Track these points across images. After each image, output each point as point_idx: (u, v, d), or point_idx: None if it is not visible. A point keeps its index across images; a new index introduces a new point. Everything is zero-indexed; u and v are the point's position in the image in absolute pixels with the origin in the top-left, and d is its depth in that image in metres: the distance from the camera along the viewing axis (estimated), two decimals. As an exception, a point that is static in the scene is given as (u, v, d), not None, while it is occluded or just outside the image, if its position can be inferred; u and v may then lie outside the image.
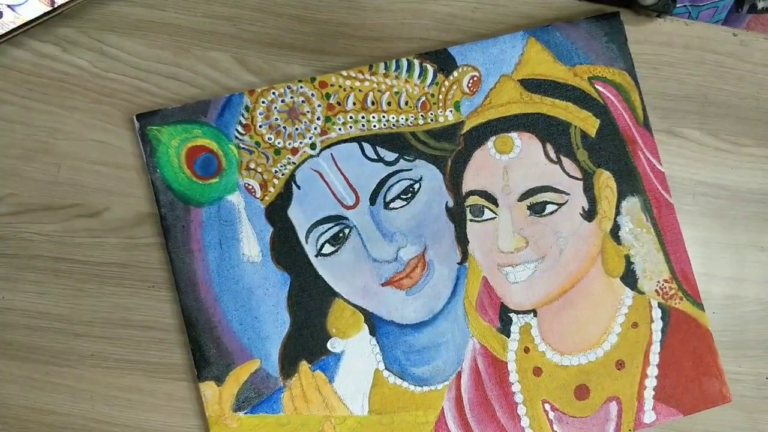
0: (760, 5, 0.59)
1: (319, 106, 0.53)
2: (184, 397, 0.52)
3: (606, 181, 0.55)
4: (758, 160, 0.57)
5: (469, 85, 0.54)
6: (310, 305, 0.52)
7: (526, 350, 0.53)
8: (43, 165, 0.54)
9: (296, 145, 0.53)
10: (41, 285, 0.53)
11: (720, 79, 0.57)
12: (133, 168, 0.53)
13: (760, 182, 0.57)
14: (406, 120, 0.54)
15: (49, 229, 0.53)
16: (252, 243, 0.52)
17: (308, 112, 0.53)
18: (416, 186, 0.53)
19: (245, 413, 0.51)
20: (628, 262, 0.54)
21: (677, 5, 0.57)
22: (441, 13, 0.56)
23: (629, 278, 0.54)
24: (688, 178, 0.57)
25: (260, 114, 0.53)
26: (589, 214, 0.54)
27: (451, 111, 0.54)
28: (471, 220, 0.54)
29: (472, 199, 0.54)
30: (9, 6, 0.50)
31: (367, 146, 0.53)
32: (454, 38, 0.55)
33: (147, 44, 0.55)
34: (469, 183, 0.54)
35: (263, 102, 0.53)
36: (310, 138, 0.53)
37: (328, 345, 0.52)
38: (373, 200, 0.53)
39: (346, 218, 0.53)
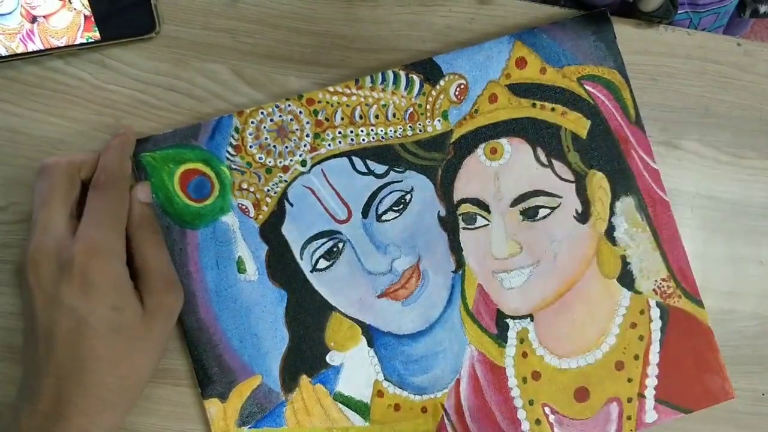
0: (762, 10, 0.57)
1: (307, 123, 0.54)
2: (181, 402, 0.54)
3: (599, 182, 0.54)
4: (759, 173, 0.56)
5: (456, 93, 0.54)
6: (308, 320, 0.53)
7: (524, 355, 0.53)
8: None
9: (287, 163, 0.54)
10: None
11: (722, 89, 0.56)
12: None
13: (761, 195, 0.56)
14: (395, 132, 0.54)
15: None
16: (248, 262, 0.53)
17: (297, 129, 0.54)
18: (407, 197, 0.54)
19: (249, 428, 0.52)
20: (625, 263, 0.54)
21: (678, 11, 0.56)
22: (438, 25, 0.56)
23: (626, 279, 0.54)
24: (687, 190, 0.56)
25: (250, 134, 0.54)
26: (583, 217, 0.54)
27: (439, 120, 0.54)
28: (464, 228, 0.54)
29: (464, 207, 0.54)
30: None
31: (357, 160, 0.54)
32: (451, 50, 0.55)
33: (146, 56, 0.56)
34: (460, 191, 0.54)
35: (252, 122, 0.54)
36: (300, 155, 0.54)
37: (327, 358, 0.53)
38: (365, 213, 0.53)
39: (340, 233, 0.53)
